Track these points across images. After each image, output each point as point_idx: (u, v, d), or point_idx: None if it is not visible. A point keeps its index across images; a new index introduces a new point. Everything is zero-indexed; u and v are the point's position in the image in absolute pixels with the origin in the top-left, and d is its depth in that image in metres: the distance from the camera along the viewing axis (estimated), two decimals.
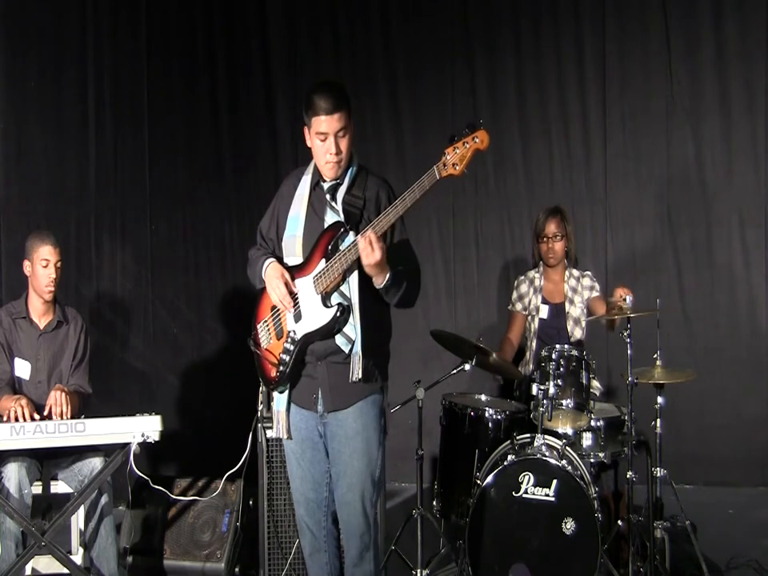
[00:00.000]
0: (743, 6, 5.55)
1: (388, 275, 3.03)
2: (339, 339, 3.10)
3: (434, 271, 5.80)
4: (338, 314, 3.06)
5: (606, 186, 5.73)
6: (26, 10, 5.31)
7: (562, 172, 5.77)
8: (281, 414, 3.26)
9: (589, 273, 4.76)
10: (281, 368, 3.19)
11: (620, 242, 5.72)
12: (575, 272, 4.77)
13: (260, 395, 4.14)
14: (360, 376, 3.09)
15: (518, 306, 4.80)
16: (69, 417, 3.89)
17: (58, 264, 4.14)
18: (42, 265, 4.11)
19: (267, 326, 3.27)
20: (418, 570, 4.05)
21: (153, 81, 5.64)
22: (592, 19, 5.70)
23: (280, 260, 3.26)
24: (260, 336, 3.30)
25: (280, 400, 3.26)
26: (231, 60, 5.85)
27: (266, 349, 3.27)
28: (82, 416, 4.04)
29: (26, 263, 4.17)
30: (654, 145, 5.68)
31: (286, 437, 3.26)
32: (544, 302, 4.74)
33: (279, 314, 3.23)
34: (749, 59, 5.55)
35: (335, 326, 3.08)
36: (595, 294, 4.71)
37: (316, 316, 3.11)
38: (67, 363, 4.21)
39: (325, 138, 3.10)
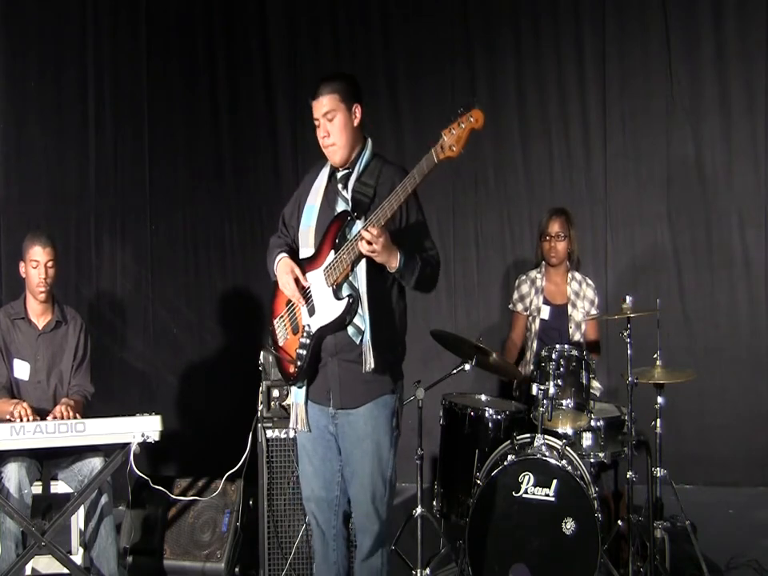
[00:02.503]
0: (743, 6, 5.55)
1: (399, 258, 3.02)
2: (350, 330, 3.09)
3: None
4: (350, 305, 3.06)
5: (606, 186, 5.72)
6: (26, 10, 5.33)
7: (561, 172, 5.77)
8: (299, 407, 3.25)
9: (591, 284, 4.77)
10: (298, 363, 3.18)
11: (620, 242, 5.72)
12: (578, 275, 4.77)
13: (260, 395, 4.14)
14: (372, 366, 3.06)
15: (519, 307, 4.80)
16: None
17: (49, 264, 4.13)
18: (33, 266, 4.12)
19: (283, 321, 3.28)
20: (418, 570, 4.05)
21: (153, 81, 5.65)
22: (592, 19, 5.69)
23: (295, 252, 3.26)
24: (277, 332, 3.30)
25: (298, 393, 3.26)
26: (231, 60, 5.85)
27: (282, 346, 3.28)
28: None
29: (21, 264, 4.18)
30: (654, 145, 5.67)
31: (304, 429, 3.25)
32: (545, 302, 4.74)
33: (294, 309, 3.23)
34: (749, 59, 5.55)
35: (347, 317, 3.07)
36: (593, 312, 4.72)
37: (329, 309, 3.10)
38: (67, 363, 4.21)
39: (318, 123, 3.13)
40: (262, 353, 4.18)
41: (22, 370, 4.15)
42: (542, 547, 3.77)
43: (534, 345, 4.71)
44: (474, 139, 6.13)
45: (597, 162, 5.73)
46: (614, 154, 5.71)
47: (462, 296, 5.83)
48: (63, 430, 3.76)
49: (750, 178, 5.60)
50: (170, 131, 5.73)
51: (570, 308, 4.71)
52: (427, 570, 4.08)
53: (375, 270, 3.08)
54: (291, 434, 4.02)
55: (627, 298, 4.03)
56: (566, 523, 3.75)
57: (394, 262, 3.03)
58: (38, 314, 4.21)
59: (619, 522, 4.10)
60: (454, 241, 5.81)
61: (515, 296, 4.83)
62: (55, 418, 3.90)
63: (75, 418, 3.92)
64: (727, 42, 5.57)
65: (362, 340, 3.08)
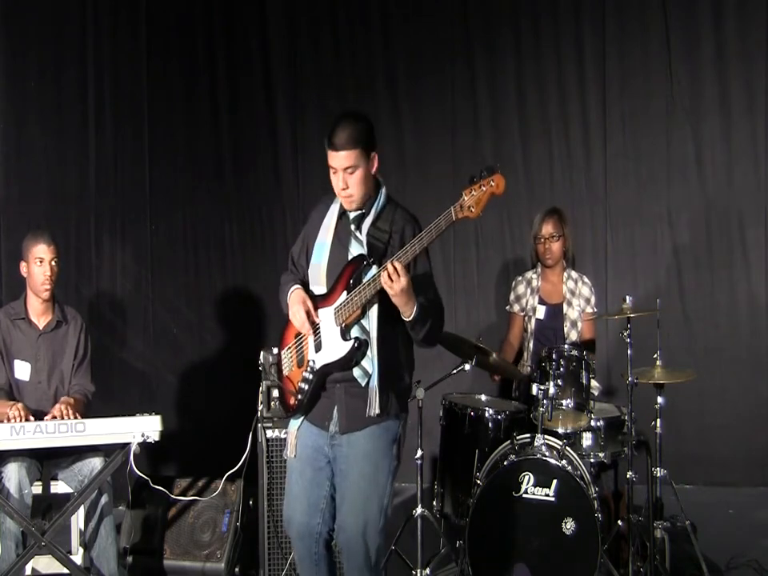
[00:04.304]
0: (743, 6, 5.55)
1: (415, 307, 3.00)
2: (357, 372, 3.09)
3: (434, 272, 5.80)
4: (355, 348, 3.06)
5: (606, 186, 5.72)
6: (26, 10, 5.32)
7: (561, 172, 5.77)
8: (291, 434, 3.26)
9: (588, 281, 4.76)
10: (299, 396, 3.19)
11: (620, 241, 5.72)
12: (574, 274, 4.77)
13: (260, 395, 4.14)
14: (377, 411, 3.07)
15: (516, 308, 4.80)
16: None
17: (54, 262, 4.13)
18: (37, 264, 4.11)
19: (290, 352, 3.28)
20: (418, 570, 4.05)
21: (153, 81, 5.65)
22: (592, 19, 5.69)
23: (307, 287, 3.25)
24: (283, 363, 3.31)
25: (293, 422, 3.27)
26: (231, 60, 5.85)
27: (286, 376, 3.29)
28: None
29: (23, 264, 4.17)
30: (654, 145, 5.67)
31: (292, 455, 3.25)
32: (541, 302, 4.74)
33: (302, 342, 3.23)
34: (749, 59, 5.55)
35: (353, 358, 3.07)
36: (588, 310, 4.72)
37: (335, 348, 3.11)
38: (68, 363, 4.21)
39: (335, 171, 3.09)
40: (261, 353, 4.17)
41: (22, 370, 4.14)
42: (542, 547, 3.77)
43: (531, 345, 4.71)
44: (475, 139, 6.16)
45: (597, 162, 5.73)
46: (613, 154, 5.71)
47: (462, 296, 5.83)
48: (63, 430, 3.75)
49: (750, 178, 5.60)
50: (170, 131, 5.74)
51: (565, 306, 4.71)
52: (427, 570, 4.08)
53: (387, 314, 3.07)
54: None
55: (627, 298, 4.03)
56: (565, 523, 3.75)
57: (408, 311, 3.01)
58: (39, 313, 4.20)
59: (619, 522, 4.10)
60: (454, 241, 5.81)
61: (512, 297, 4.83)
62: (54, 417, 3.89)
63: (74, 417, 3.91)
64: (727, 42, 5.57)
65: (368, 383, 3.08)
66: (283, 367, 3.30)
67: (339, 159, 3.06)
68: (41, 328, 4.20)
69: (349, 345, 3.07)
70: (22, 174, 5.33)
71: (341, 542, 3.13)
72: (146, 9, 5.64)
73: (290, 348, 3.29)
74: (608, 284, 5.60)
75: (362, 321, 3.09)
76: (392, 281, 2.92)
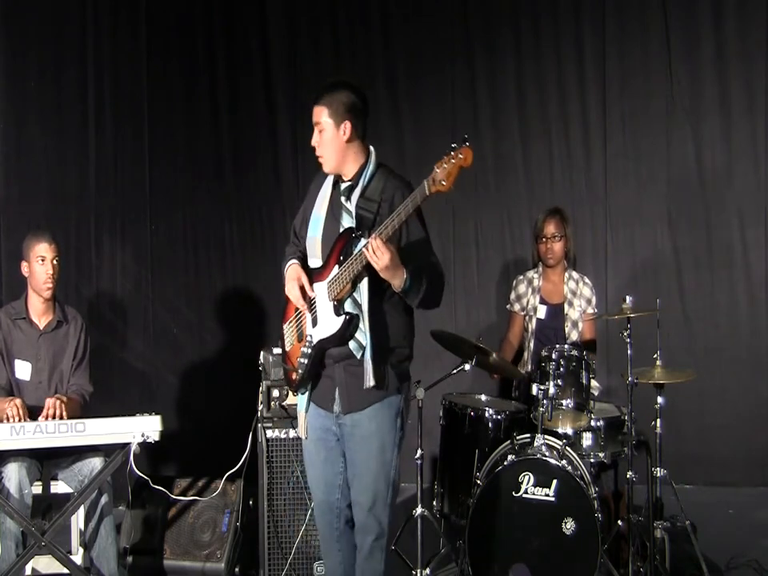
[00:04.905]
0: (743, 6, 5.55)
1: (405, 277, 3.01)
2: (352, 344, 3.11)
3: None
4: (347, 322, 3.08)
5: (606, 186, 5.72)
6: (26, 10, 5.33)
7: (561, 172, 5.76)
8: (300, 415, 3.31)
9: (588, 282, 4.76)
10: (299, 371, 3.22)
11: (620, 242, 5.72)
12: (575, 274, 4.78)
13: (260, 395, 4.14)
14: (373, 383, 3.08)
15: (516, 307, 4.81)
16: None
17: (55, 261, 4.13)
18: (39, 262, 4.11)
19: (291, 327, 3.32)
20: (418, 570, 4.04)
21: (153, 81, 5.65)
22: (592, 19, 5.69)
23: (305, 260, 3.28)
24: (285, 337, 3.35)
25: (301, 401, 3.31)
26: (231, 60, 5.84)
27: (288, 352, 3.33)
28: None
29: (24, 264, 4.16)
30: (654, 145, 5.67)
31: (304, 436, 3.32)
32: (542, 302, 4.75)
33: (301, 316, 3.26)
34: (749, 59, 5.55)
35: (345, 334, 3.09)
36: (590, 311, 4.72)
37: (328, 323, 3.13)
38: (68, 363, 4.20)
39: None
40: (261, 353, 4.18)
41: (23, 370, 4.14)
42: (542, 547, 3.78)
43: (532, 344, 4.72)
44: (475, 139, 6.16)
45: (597, 162, 5.72)
46: (613, 154, 5.71)
47: (462, 296, 5.83)
48: (63, 430, 3.75)
49: (750, 178, 5.60)
50: (170, 131, 5.73)
51: (566, 307, 4.72)
52: (427, 570, 4.08)
53: (378, 286, 3.08)
54: (291, 434, 4.05)
55: (627, 298, 4.03)
56: (565, 523, 3.75)
57: (398, 281, 3.02)
58: (40, 313, 4.20)
59: (619, 522, 4.10)
60: (454, 241, 5.81)
61: (512, 296, 4.84)
62: (47, 417, 3.88)
63: (62, 417, 3.88)
64: (727, 42, 5.57)
65: (363, 355, 3.10)
66: (286, 342, 3.34)
67: (313, 113, 3.19)
68: (41, 328, 4.19)
69: (341, 320, 3.09)
70: (22, 174, 5.33)
71: (354, 517, 3.24)
72: (145, 9, 5.64)
73: (290, 322, 3.32)
74: (608, 284, 5.60)
75: (354, 294, 3.11)
76: (377, 256, 2.93)
